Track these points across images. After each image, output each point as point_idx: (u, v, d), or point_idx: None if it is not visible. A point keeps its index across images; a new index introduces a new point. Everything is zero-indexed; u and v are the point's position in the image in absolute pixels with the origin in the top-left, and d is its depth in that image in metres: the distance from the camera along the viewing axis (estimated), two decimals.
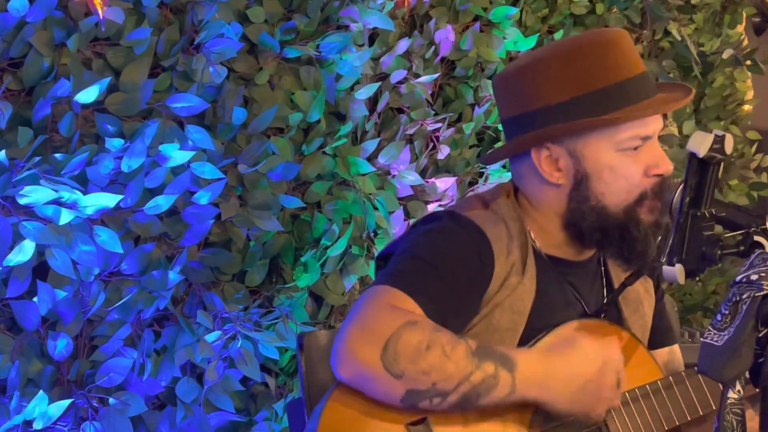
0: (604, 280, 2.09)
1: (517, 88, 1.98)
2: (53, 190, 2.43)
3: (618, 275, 2.07)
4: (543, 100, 1.93)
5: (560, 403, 1.81)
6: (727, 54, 4.41)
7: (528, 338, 1.93)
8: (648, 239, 1.93)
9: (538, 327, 1.93)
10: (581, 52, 1.94)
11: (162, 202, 2.62)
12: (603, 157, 1.92)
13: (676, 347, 2.19)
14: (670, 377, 1.99)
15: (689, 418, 1.98)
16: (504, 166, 3.49)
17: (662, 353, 2.14)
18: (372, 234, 3.09)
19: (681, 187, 1.75)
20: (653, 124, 1.94)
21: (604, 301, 2.05)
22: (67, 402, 2.54)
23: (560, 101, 1.92)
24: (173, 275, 2.64)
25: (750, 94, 4.69)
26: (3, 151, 2.42)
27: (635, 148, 1.92)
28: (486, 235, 1.92)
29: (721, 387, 1.60)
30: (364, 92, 3.10)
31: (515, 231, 1.95)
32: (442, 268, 1.86)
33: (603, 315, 2.04)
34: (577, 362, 1.82)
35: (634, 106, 1.91)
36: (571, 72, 1.92)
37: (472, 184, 3.47)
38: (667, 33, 4.15)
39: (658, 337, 2.15)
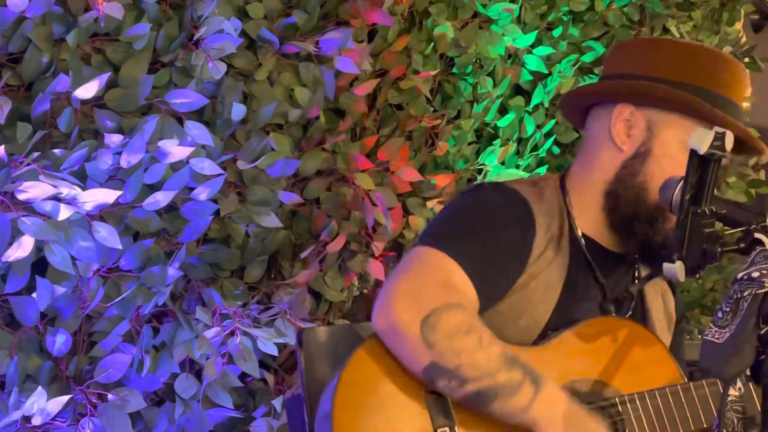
0: (635, 278, 2.12)
1: (639, 52, 2.05)
2: (52, 185, 2.42)
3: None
4: (656, 71, 1.99)
5: None
6: (725, 51, 4.41)
7: (559, 315, 1.97)
8: (666, 244, 1.96)
9: (566, 307, 1.98)
10: (711, 54, 2.02)
11: (161, 198, 2.61)
12: (673, 146, 1.98)
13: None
14: (690, 383, 2.01)
15: (705, 425, 1.99)
16: (503, 163, 3.49)
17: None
18: (371, 230, 3.09)
19: (681, 184, 1.76)
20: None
21: (626, 291, 2.10)
22: (65, 398, 2.53)
23: (670, 78, 1.98)
24: (172, 271, 2.64)
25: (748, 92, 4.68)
26: (2, 147, 2.41)
27: None
28: (530, 205, 1.98)
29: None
30: (364, 88, 3.09)
31: (556, 211, 2.02)
32: (485, 234, 1.91)
33: (629, 311, 2.08)
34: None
35: (729, 117, 1.96)
36: (692, 62, 1.99)
37: (470, 180, 3.47)
38: (665, 30, 4.15)
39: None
